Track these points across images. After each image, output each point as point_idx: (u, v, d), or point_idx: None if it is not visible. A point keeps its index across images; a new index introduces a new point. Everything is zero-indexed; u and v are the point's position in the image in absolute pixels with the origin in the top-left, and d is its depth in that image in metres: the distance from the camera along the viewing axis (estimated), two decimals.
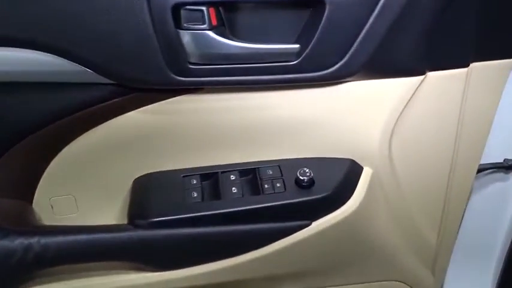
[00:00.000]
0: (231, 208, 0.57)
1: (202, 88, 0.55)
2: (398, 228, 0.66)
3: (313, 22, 0.51)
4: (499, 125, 0.65)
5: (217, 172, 0.60)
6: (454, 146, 0.62)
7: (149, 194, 0.58)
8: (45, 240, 0.52)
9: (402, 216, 0.66)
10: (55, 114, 0.53)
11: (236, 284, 0.61)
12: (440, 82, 0.58)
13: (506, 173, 0.74)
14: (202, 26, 0.50)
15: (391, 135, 0.60)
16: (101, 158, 0.58)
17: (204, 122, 0.57)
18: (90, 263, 0.56)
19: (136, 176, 0.60)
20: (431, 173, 0.65)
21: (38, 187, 0.58)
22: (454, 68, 0.57)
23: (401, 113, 0.58)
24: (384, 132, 0.59)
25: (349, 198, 0.60)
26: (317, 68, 0.54)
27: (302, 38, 0.53)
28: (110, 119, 0.55)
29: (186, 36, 0.51)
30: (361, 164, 0.61)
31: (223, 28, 0.51)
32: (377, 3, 0.51)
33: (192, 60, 0.52)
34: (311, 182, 0.58)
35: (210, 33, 0.50)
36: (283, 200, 0.58)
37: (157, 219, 0.55)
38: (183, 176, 0.59)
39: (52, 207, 0.60)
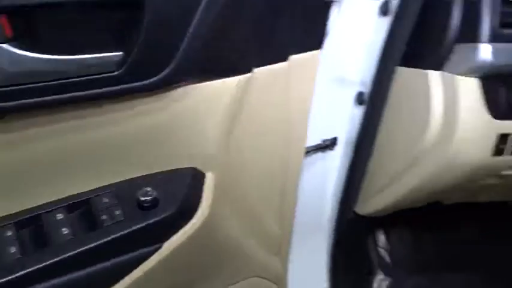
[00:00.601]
0: (62, 255, 0.47)
1: (3, 116, 0.43)
2: (246, 226, 0.66)
3: (134, 25, 0.45)
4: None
5: (39, 214, 0.48)
6: (285, 134, 0.65)
7: None
8: None
9: (247, 212, 0.66)
10: None
11: None
12: (266, 77, 0.59)
13: (324, 152, 0.82)
14: None
15: (228, 136, 0.58)
16: None
17: (12, 157, 0.45)
18: None
19: None
20: (267, 163, 0.66)
21: None
22: (276, 63, 0.59)
23: (235, 112, 0.57)
24: (221, 133, 0.57)
25: (196, 209, 0.56)
26: (144, 76, 0.47)
27: (124, 45, 0.45)
28: None
29: None
30: (203, 169, 0.58)
31: (25, 40, 0.40)
32: (200, 2, 0.47)
33: None
34: (154, 202, 0.53)
35: (6, 47, 0.38)
36: (126, 229, 0.50)
37: None
38: None
39: None
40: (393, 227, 1.11)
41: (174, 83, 0.50)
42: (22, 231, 0.47)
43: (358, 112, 0.77)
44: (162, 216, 0.53)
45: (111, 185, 0.52)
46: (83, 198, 0.51)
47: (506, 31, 0.59)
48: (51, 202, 0.49)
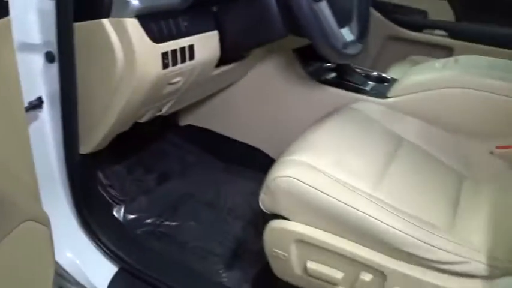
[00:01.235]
0: None
1: None
2: (5, 179, 0.72)
3: None
4: None
5: None
6: (5, 99, 0.73)
7: None
8: None
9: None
10: None
11: None
12: None
13: (36, 110, 0.92)
14: None
15: None
16: None
17: None
18: None
19: None
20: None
21: None
22: None
23: None
24: None
25: None
26: None
27: None
28: None
29: None
30: None
31: None
32: None
33: None
34: None
35: None
36: None
37: None
38: None
39: None
40: (108, 163, 1.33)
41: None
42: None
43: (54, 70, 0.91)
44: None
45: None
46: None
47: None
48: None
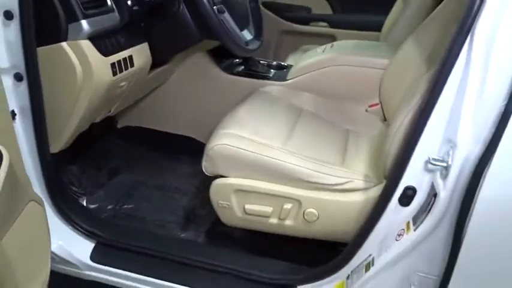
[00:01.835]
0: None
1: None
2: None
3: None
4: None
5: None
6: None
7: None
8: None
9: None
10: None
11: None
12: None
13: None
14: None
15: None
16: None
17: None
18: None
19: None
20: None
21: None
22: None
23: None
24: None
25: None
26: None
27: None
28: None
29: None
30: None
31: None
32: None
33: None
34: None
35: None
36: None
37: None
38: None
39: None
40: (66, 165, 1.55)
41: None
42: None
43: (22, 87, 1.13)
44: None
45: None
46: None
47: (87, 11, 1.12)
48: None
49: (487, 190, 0.79)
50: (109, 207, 1.54)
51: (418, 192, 0.96)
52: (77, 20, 1.09)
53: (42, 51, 1.10)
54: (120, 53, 1.22)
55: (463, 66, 0.86)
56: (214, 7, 1.26)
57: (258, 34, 1.55)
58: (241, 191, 1.25)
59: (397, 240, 0.99)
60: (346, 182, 1.21)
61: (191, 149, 1.80)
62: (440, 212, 0.89)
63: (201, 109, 1.81)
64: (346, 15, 2.46)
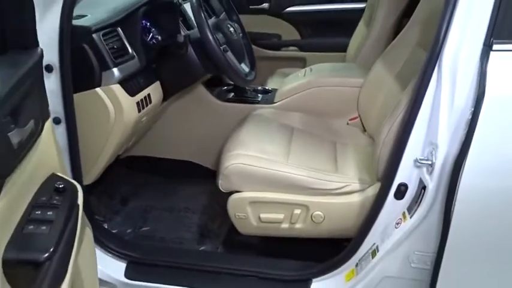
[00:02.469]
0: None
1: None
2: None
3: None
4: None
5: None
6: None
7: None
8: None
9: None
10: None
11: None
12: None
13: None
14: None
15: None
16: None
17: None
18: None
19: None
20: None
21: None
22: None
23: None
24: None
25: None
26: None
27: None
28: None
29: None
30: None
31: None
32: None
33: None
34: None
35: None
36: None
37: None
38: None
39: None
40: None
41: None
42: None
43: (60, 129, 1.27)
44: None
45: None
46: None
47: (116, 60, 1.30)
48: None
49: (466, 179, 1.03)
50: (128, 231, 1.68)
51: (409, 187, 1.19)
52: (109, 68, 1.26)
53: (79, 96, 1.26)
54: (142, 92, 1.39)
55: (435, 84, 1.10)
56: (221, 47, 1.47)
57: (252, 66, 1.77)
58: (255, 203, 1.45)
59: (396, 228, 1.22)
60: (344, 186, 1.43)
61: (191, 172, 1.99)
62: (430, 200, 1.12)
63: (197, 134, 1.99)
64: (313, 39, 2.73)
